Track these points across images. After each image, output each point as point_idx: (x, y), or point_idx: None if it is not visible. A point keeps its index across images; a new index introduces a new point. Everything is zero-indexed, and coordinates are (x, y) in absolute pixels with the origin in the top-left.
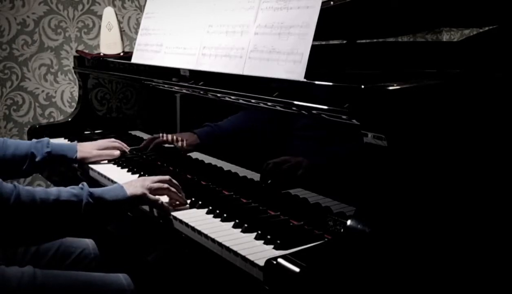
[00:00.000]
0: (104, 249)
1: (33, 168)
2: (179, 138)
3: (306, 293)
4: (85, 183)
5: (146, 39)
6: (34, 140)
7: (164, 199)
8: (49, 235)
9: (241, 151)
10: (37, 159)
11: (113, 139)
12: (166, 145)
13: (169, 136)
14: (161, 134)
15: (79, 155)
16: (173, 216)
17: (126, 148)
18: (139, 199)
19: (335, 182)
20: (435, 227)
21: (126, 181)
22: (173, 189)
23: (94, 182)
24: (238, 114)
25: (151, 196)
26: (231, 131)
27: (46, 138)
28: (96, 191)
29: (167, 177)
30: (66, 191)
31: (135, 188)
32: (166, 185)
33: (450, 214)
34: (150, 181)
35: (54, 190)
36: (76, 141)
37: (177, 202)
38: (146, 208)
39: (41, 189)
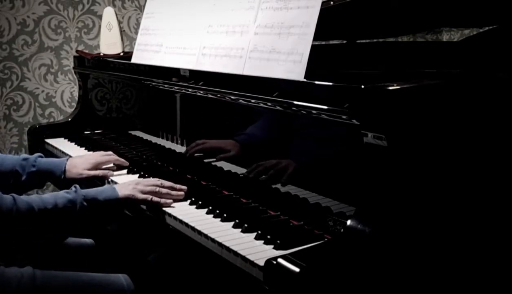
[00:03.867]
0: (104, 249)
1: (19, 187)
2: (221, 145)
3: (306, 293)
4: (77, 185)
5: (146, 39)
6: (22, 156)
7: None
8: (46, 238)
9: (241, 150)
10: (22, 179)
11: (110, 152)
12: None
13: (212, 142)
14: (203, 141)
15: (68, 175)
16: (173, 216)
17: (125, 163)
18: (129, 199)
19: (335, 182)
20: (435, 227)
21: (124, 182)
22: (164, 190)
23: (93, 182)
24: (252, 118)
25: (140, 195)
26: (258, 135)
27: (34, 156)
28: (89, 193)
29: (159, 181)
30: (62, 197)
31: (126, 189)
32: (158, 188)
33: (451, 214)
34: (143, 183)
35: (50, 198)
36: (67, 158)
37: (172, 201)
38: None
39: (36, 196)
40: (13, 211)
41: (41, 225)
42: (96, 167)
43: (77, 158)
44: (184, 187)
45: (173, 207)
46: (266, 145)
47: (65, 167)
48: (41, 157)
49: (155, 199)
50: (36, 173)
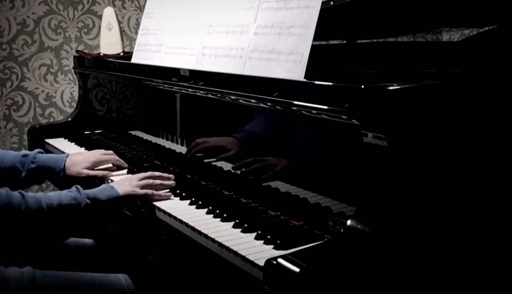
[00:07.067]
0: (104, 249)
1: (19, 184)
2: (221, 142)
3: (306, 293)
4: (78, 186)
5: (146, 39)
6: (21, 152)
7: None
8: (54, 237)
9: (241, 150)
10: (22, 175)
11: (111, 151)
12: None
13: (212, 140)
14: (203, 139)
15: (67, 172)
16: (174, 216)
17: (124, 164)
18: (131, 196)
19: (335, 182)
20: (435, 227)
21: (117, 180)
22: (157, 181)
23: (92, 182)
24: (251, 116)
25: (140, 191)
26: (261, 134)
27: (34, 152)
28: (90, 192)
29: (148, 173)
30: (66, 195)
31: (125, 186)
32: (151, 180)
33: (450, 214)
34: (136, 179)
35: (54, 195)
36: (66, 154)
37: (167, 190)
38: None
39: (42, 194)
40: (22, 207)
41: (49, 222)
42: (96, 165)
43: (77, 155)
44: (171, 175)
45: (172, 199)
46: (266, 146)
47: (64, 164)
48: (41, 152)
49: (155, 192)
50: (35, 170)
